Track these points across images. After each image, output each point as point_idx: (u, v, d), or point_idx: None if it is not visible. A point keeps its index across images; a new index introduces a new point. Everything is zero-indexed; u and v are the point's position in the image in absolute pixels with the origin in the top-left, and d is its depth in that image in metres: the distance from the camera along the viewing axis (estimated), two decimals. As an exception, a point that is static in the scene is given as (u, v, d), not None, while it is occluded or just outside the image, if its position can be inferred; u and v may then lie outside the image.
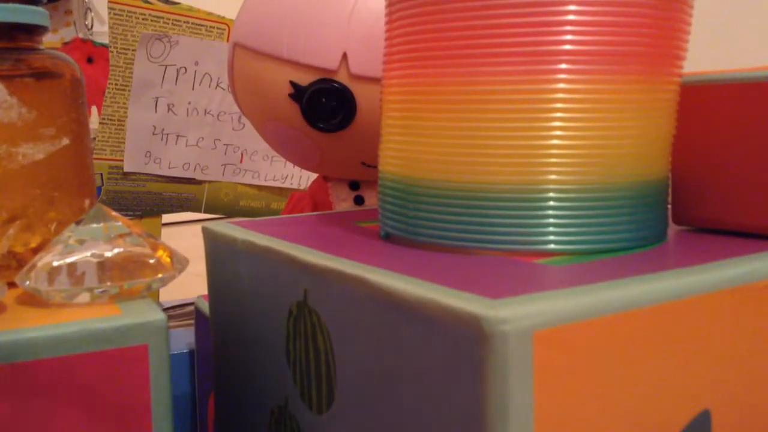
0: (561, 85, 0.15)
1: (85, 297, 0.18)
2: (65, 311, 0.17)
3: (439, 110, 0.17)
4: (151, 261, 0.19)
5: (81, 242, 0.18)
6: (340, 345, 0.16)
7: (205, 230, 0.22)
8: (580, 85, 0.15)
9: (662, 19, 0.16)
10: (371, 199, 0.30)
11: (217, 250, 0.21)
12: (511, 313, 0.12)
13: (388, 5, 0.18)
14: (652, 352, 0.13)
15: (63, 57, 0.22)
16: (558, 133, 0.15)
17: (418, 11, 0.17)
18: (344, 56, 0.25)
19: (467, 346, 0.12)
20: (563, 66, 0.15)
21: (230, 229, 0.21)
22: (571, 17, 0.15)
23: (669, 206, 0.19)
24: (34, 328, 0.16)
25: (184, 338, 0.29)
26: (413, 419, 0.13)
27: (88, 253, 0.18)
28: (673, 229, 0.19)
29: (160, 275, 0.19)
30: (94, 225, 0.19)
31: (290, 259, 0.17)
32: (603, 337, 0.13)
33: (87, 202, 0.22)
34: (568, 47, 0.15)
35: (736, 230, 0.18)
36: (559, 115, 0.15)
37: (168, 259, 0.19)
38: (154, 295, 0.39)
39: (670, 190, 0.18)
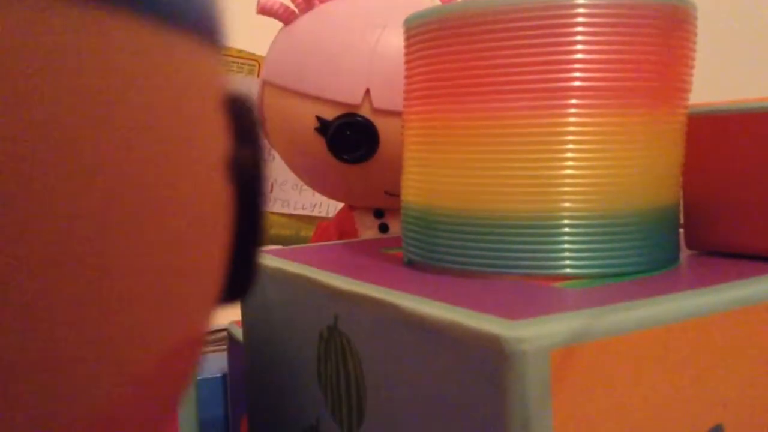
0: (572, 119, 0.16)
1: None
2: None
3: (457, 143, 0.18)
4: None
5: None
6: (369, 366, 0.17)
7: (238, 259, 0.23)
8: (589, 119, 0.16)
9: (666, 56, 0.17)
10: (395, 227, 0.31)
11: (250, 278, 0.22)
12: (529, 333, 0.13)
13: (407, 46, 0.19)
14: (665, 369, 0.14)
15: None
16: (570, 163, 0.16)
17: (436, 51, 0.18)
18: (367, 92, 0.27)
19: (488, 364, 0.13)
20: (573, 101, 0.16)
21: (263, 257, 0.22)
22: (579, 56, 0.16)
23: (681, 231, 0.20)
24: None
25: (217, 363, 0.30)
26: (439, 434, 0.14)
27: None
28: (685, 253, 0.20)
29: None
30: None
31: (321, 285, 0.18)
32: (617, 356, 0.13)
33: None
34: (577, 84, 0.16)
35: (747, 253, 0.18)
36: (570, 146, 0.16)
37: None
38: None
39: (681, 215, 0.19)
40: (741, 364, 0.15)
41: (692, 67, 0.18)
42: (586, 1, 0.16)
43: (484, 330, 0.13)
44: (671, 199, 0.18)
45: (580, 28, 0.16)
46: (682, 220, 0.19)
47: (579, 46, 0.16)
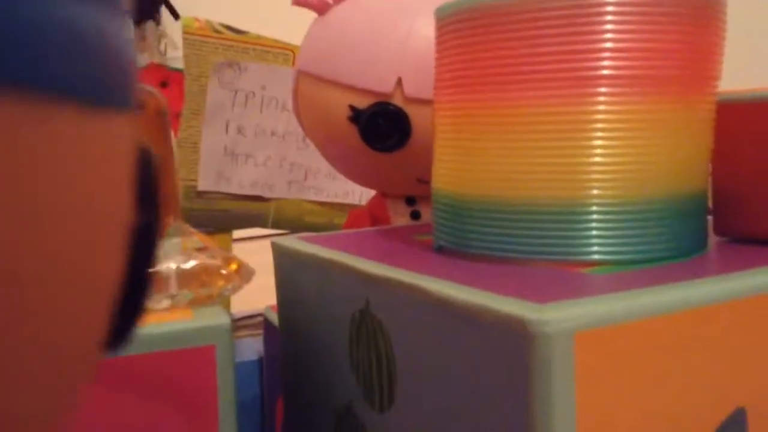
0: (601, 107, 0.16)
1: (166, 302, 0.20)
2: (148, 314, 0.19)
3: (488, 131, 0.18)
4: (223, 272, 0.21)
5: (164, 254, 0.21)
6: (399, 348, 0.17)
7: (274, 245, 0.24)
8: (619, 107, 0.16)
9: (695, 44, 0.17)
10: (427, 214, 0.31)
11: (286, 263, 0.23)
12: (554, 316, 0.13)
13: (439, 35, 0.20)
14: (687, 352, 0.14)
15: (147, 89, 0.24)
16: (599, 151, 0.16)
17: (467, 41, 0.18)
18: (399, 80, 0.27)
19: (515, 346, 0.13)
20: (603, 89, 0.16)
21: (297, 243, 0.23)
22: (608, 45, 0.16)
23: (710, 218, 0.20)
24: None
25: (253, 347, 0.31)
26: (466, 412, 0.15)
27: (170, 264, 0.20)
28: (713, 239, 0.20)
29: (230, 284, 0.21)
30: (175, 239, 0.21)
31: (353, 270, 0.19)
32: (641, 339, 0.14)
33: (171, 219, 0.24)
34: (607, 72, 0.16)
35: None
36: (599, 134, 0.16)
37: (238, 271, 0.21)
38: (226, 304, 0.42)
39: (709, 202, 0.19)
40: (765, 348, 0.15)
41: (721, 55, 0.18)
42: (615, -10, 0.16)
43: (510, 313, 0.13)
44: (699, 187, 0.18)
45: (609, 17, 0.16)
46: (711, 207, 0.19)
47: (608, 35, 0.16)
